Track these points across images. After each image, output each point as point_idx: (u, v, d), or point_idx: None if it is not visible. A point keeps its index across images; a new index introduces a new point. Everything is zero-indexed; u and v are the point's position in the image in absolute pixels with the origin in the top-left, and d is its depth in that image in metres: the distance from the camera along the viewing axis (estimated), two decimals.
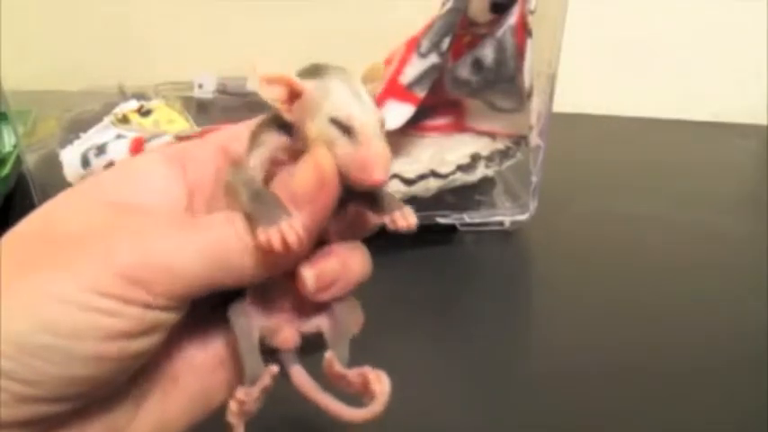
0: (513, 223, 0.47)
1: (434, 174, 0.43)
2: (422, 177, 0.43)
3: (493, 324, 0.38)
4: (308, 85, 0.19)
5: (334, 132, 0.19)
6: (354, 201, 0.21)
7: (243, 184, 0.19)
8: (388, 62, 0.43)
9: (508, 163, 0.46)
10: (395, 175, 0.43)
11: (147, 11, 0.47)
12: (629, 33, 0.69)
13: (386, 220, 0.21)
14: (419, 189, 0.43)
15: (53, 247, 0.18)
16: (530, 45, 0.40)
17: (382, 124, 0.19)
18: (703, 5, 0.68)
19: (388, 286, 0.40)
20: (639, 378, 0.33)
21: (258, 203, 0.19)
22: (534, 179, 0.46)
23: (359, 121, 0.19)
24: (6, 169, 0.46)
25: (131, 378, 0.20)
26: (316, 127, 0.19)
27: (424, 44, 0.41)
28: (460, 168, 0.43)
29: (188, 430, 0.21)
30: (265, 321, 0.21)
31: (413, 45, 0.41)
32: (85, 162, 0.41)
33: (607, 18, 0.68)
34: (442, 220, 0.46)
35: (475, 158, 0.44)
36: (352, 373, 0.20)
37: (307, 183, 0.19)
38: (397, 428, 0.30)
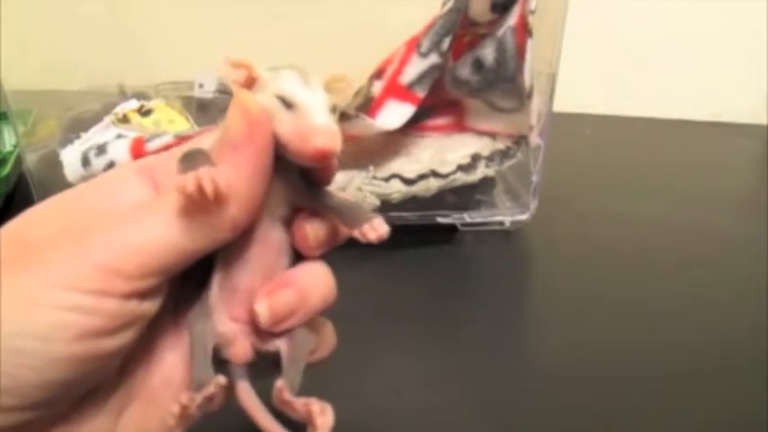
0: (513, 223, 0.47)
1: (435, 174, 0.43)
2: (422, 177, 0.43)
3: (493, 324, 0.38)
4: (263, 73, 0.20)
5: (278, 106, 0.19)
6: (322, 210, 0.21)
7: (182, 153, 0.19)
8: (388, 62, 0.43)
9: (508, 163, 0.46)
10: (395, 175, 0.43)
11: (148, 11, 0.47)
12: (629, 33, 0.69)
13: (356, 234, 0.21)
14: (420, 189, 0.43)
15: (26, 250, 0.18)
16: (530, 45, 0.40)
17: (333, 109, 0.20)
18: (703, 5, 0.68)
19: (388, 285, 0.40)
20: (639, 378, 0.33)
21: (185, 160, 0.19)
22: (534, 179, 0.46)
23: (301, 96, 0.19)
24: (7, 169, 0.46)
25: (110, 389, 0.20)
26: (260, 101, 0.19)
27: (425, 44, 0.41)
28: (461, 168, 0.43)
29: None
30: (224, 325, 0.21)
31: (413, 45, 0.41)
32: (86, 162, 0.41)
33: (607, 18, 0.68)
34: (442, 220, 0.46)
35: (475, 158, 0.44)
36: (299, 403, 0.20)
37: (237, 123, 0.19)
38: (396, 426, 0.30)
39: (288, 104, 0.19)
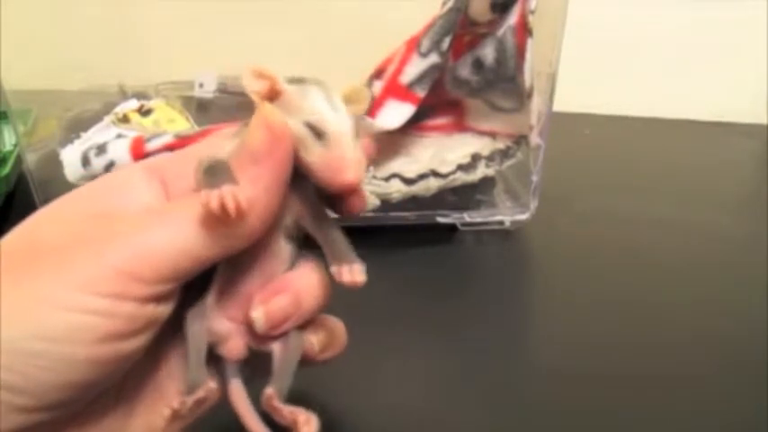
0: (513, 223, 0.47)
1: (435, 173, 0.43)
2: (422, 177, 0.43)
3: (493, 324, 0.38)
4: (288, 88, 0.20)
5: (308, 135, 0.20)
6: (315, 234, 0.22)
7: (203, 161, 0.20)
8: (388, 62, 0.43)
9: (508, 162, 0.46)
10: (395, 175, 0.43)
11: (148, 11, 0.47)
12: (629, 33, 0.69)
13: (332, 269, 0.21)
14: (420, 189, 0.43)
15: (40, 254, 0.18)
16: (530, 45, 0.40)
17: (355, 134, 0.20)
18: (704, 5, 0.68)
19: (387, 285, 0.40)
20: (639, 378, 0.33)
21: (209, 174, 0.19)
22: (534, 179, 0.46)
23: (332, 126, 0.20)
24: (7, 169, 0.46)
25: (121, 389, 0.20)
26: (291, 128, 0.20)
27: (425, 44, 0.41)
28: (461, 168, 0.43)
29: None
30: (220, 324, 0.21)
31: (413, 45, 0.41)
32: (86, 161, 0.41)
33: (607, 18, 0.68)
34: (442, 220, 0.46)
35: (475, 158, 0.44)
36: (286, 410, 0.20)
37: (260, 136, 0.19)
38: (395, 426, 0.30)
39: (318, 133, 0.20)
